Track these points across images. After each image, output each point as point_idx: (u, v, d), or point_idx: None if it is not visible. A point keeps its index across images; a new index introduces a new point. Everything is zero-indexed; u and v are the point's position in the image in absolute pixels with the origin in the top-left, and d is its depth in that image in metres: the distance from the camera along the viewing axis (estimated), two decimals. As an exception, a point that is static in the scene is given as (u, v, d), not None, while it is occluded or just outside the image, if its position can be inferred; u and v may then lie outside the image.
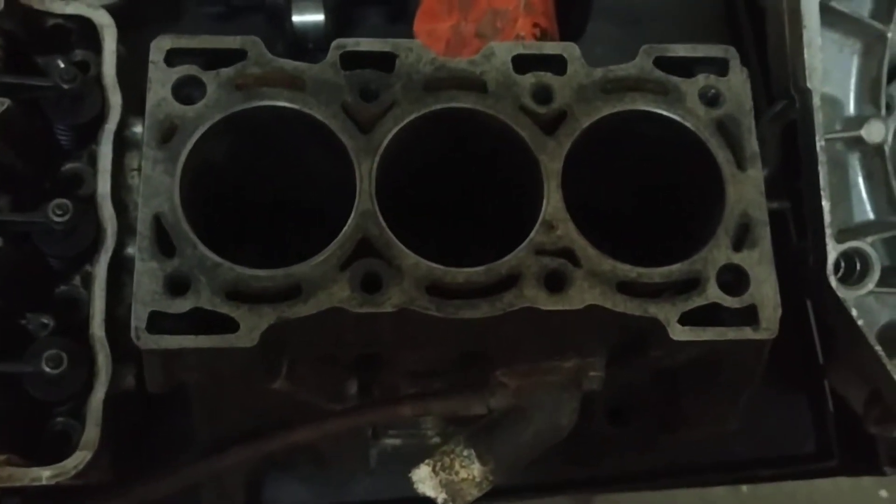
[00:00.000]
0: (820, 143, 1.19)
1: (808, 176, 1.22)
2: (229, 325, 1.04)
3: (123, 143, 1.39)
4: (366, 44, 1.16)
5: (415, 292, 1.07)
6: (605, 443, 1.33)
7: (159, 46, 1.13)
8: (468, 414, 1.20)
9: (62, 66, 1.39)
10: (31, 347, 1.25)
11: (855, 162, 1.31)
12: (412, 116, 1.13)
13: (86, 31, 1.43)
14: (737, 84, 1.18)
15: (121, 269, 1.31)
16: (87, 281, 1.32)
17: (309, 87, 1.14)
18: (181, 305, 1.04)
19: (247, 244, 1.15)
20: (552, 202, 1.11)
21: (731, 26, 1.71)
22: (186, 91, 1.12)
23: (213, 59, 1.14)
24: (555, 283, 1.08)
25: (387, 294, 1.06)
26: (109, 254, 1.31)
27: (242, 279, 1.06)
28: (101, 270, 1.30)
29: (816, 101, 1.20)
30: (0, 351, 1.23)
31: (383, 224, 1.08)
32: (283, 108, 1.13)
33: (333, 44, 1.15)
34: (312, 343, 1.12)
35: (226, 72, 1.13)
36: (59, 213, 1.27)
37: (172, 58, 1.14)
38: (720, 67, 1.19)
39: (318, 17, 1.56)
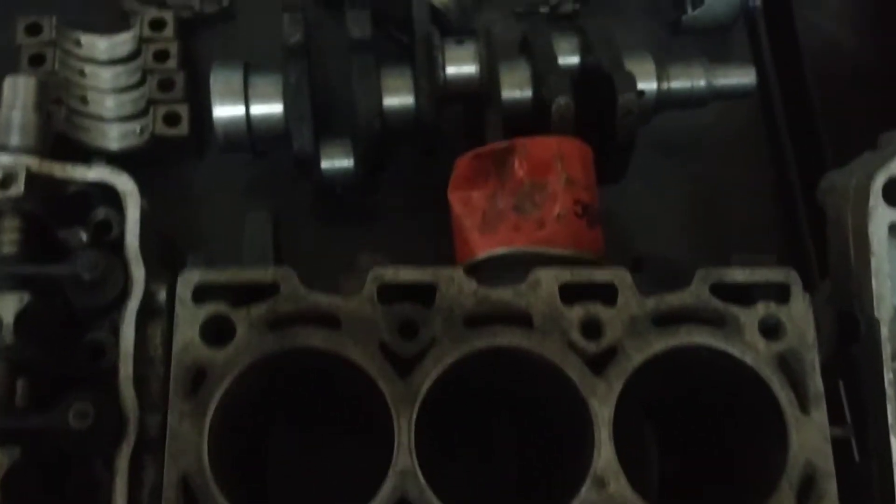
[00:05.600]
0: (888, 376, 1.12)
1: (875, 405, 1.14)
2: None
3: (146, 315, 1.33)
4: (405, 274, 1.10)
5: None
6: None
7: (187, 281, 1.08)
8: None
9: (85, 238, 1.34)
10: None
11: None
12: (454, 357, 1.06)
13: (108, 193, 1.38)
14: (799, 313, 1.11)
15: (142, 449, 1.26)
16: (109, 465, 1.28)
17: (344, 324, 1.08)
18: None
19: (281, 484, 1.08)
20: (603, 454, 1.05)
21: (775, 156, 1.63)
22: (215, 332, 1.06)
23: (244, 293, 1.08)
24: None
25: (427, 565, 1.00)
26: (132, 446, 1.26)
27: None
28: (123, 462, 1.25)
29: (885, 332, 1.12)
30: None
31: (424, 484, 1.03)
32: (319, 349, 1.06)
33: (370, 276, 1.09)
34: None
35: (257, 311, 1.07)
36: (79, 417, 1.22)
37: (201, 293, 1.08)
38: (781, 293, 1.11)
39: (347, 163, 1.49)
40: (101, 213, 1.37)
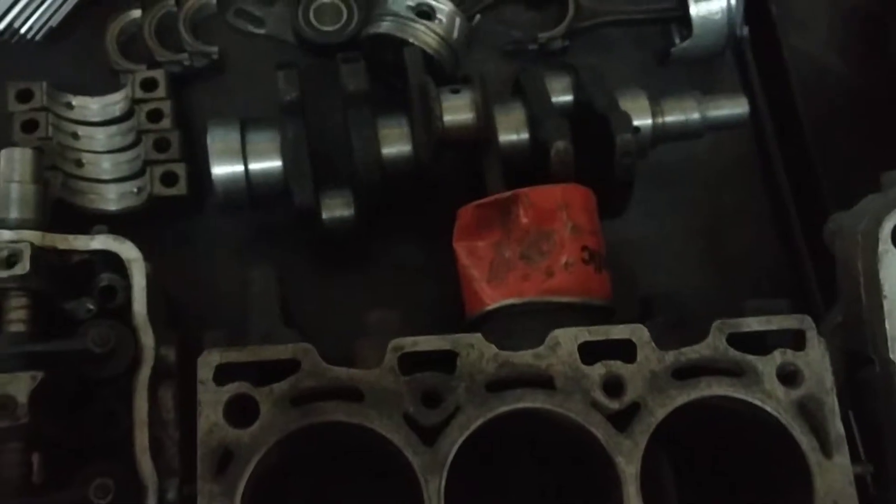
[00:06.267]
0: (905, 417, 1.13)
1: (892, 443, 1.16)
2: None
3: (157, 379, 1.33)
4: (424, 343, 1.11)
5: None
6: None
7: (207, 362, 1.08)
8: None
9: (93, 325, 1.33)
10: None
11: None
12: (478, 422, 1.07)
13: (111, 259, 1.38)
14: (815, 359, 1.12)
15: None
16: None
17: (367, 397, 1.08)
18: None
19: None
20: (633, 511, 1.06)
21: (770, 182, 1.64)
22: (239, 412, 1.06)
23: (264, 372, 1.08)
24: None
25: None
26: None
27: None
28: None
29: (900, 373, 1.14)
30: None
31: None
32: (344, 423, 1.06)
33: (391, 345, 1.09)
34: None
35: (279, 388, 1.08)
36: (100, 495, 1.22)
37: (221, 374, 1.07)
38: (796, 340, 1.13)
39: (348, 213, 1.49)
40: (104, 278, 1.36)
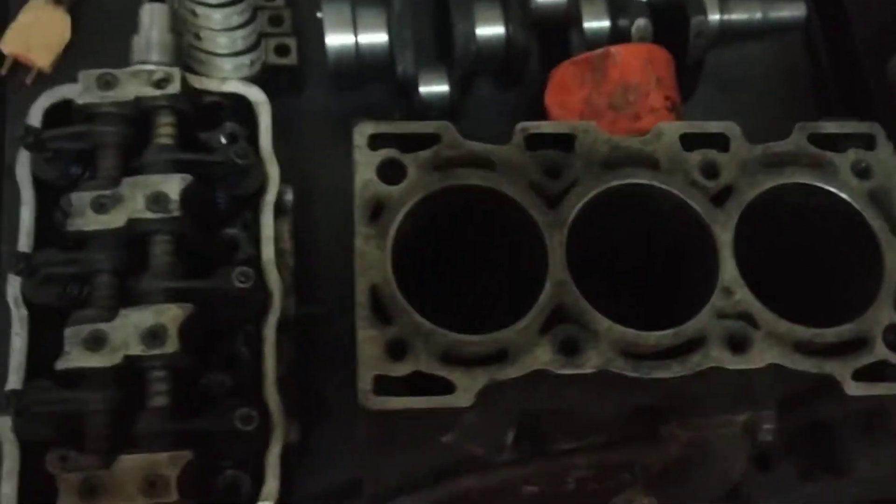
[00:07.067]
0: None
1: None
2: (446, 387, 1.13)
3: (277, 212, 1.48)
4: (546, 126, 1.27)
5: (611, 354, 1.16)
6: (750, 486, 1.41)
7: (362, 132, 1.23)
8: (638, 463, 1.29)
9: (224, 140, 1.48)
10: (216, 407, 1.32)
11: None
12: (595, 192, 1.23)
13: (236, 107, 1.53)
14: (885, 157, 1.29)
15: (280, 330, 1.39)
16: (248, 342, 1.41)
17: (498, 166, 1.24)
18: (402, 369, 1.14)
19: (440, 304, 1.22)
20: (728, 270, 1.21)
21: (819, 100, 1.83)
22: (389, 172, 1.22)
23: (409, 142, 1.24)
24: (737, 344, 1.18)
25: (585, 356, 1.16)
26: (277, 316, 1.40)
27: (456, 344, 1.15)
28: (270, 332, 1.39)
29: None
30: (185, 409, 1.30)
31: (577, 293, 1.18)
32: (478, 186, 1.22)
33: (518, 127, 1.26)
34: (510, 400, 1.21)
35: (424, 154, 1.23)
36: (242, 279, 1.35)
37: (373, 142, 1.23)
38: (868, 142, 1.29)
39: (444, 88, 1.65)
40: (228, 126, 1.52)
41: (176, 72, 1.45)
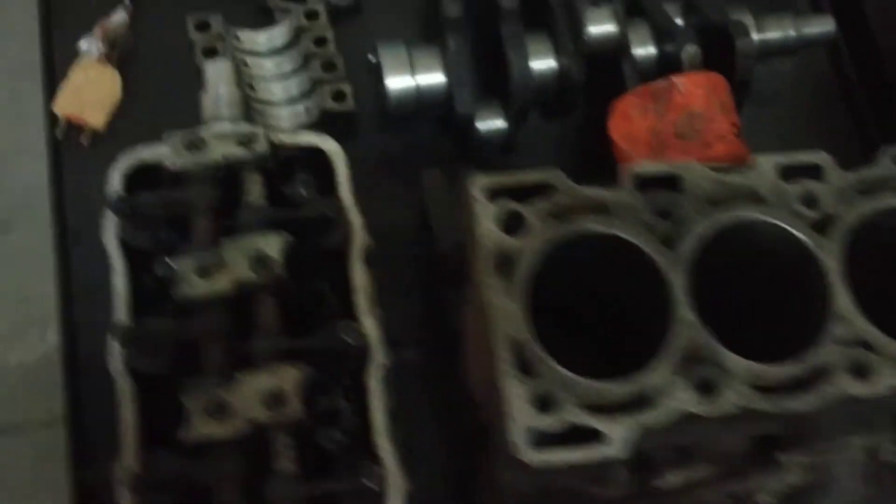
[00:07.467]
0: None
1: None
2: (597, 437, 1.16)
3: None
4: (651, 167, 1.30)
5: (745, 390, 1.20)
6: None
7: (478, 185, 1.25)
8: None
9: (304, 193, 1.49)
10: (339, 465, 1.33)
11: None
12: (706, 228, 1.26)
13: (307, 158, 1.54)
14: (967, 179, 1.35)
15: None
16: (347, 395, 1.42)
17: (612, 210, 1.27)
18: (551, 420, 1.16)
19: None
20: (841, 297, 1.26)
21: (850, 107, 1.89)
22: (510, 223, 1.24)
23: (523, 193, 1.26)
24: (860, 370, 1.22)
25: (724, 395, 1.19)
26: (379, 365, 1.41)
27: (599, 392, 1.18)
28: (374, 383, 1.40)
29: None
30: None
31: (705, 331, 1.22)
32: (598, 231, 1.25)
33: (627, 171, 1.29)
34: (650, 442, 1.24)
35: (542, 204, 1.25)
36: (348, 334, 1.36)
37: (489, 194, 1.25)
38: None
39: (500, 123, 1.68)
40: (301, 178, 1.53)
41: (260, 130, 1.45)
